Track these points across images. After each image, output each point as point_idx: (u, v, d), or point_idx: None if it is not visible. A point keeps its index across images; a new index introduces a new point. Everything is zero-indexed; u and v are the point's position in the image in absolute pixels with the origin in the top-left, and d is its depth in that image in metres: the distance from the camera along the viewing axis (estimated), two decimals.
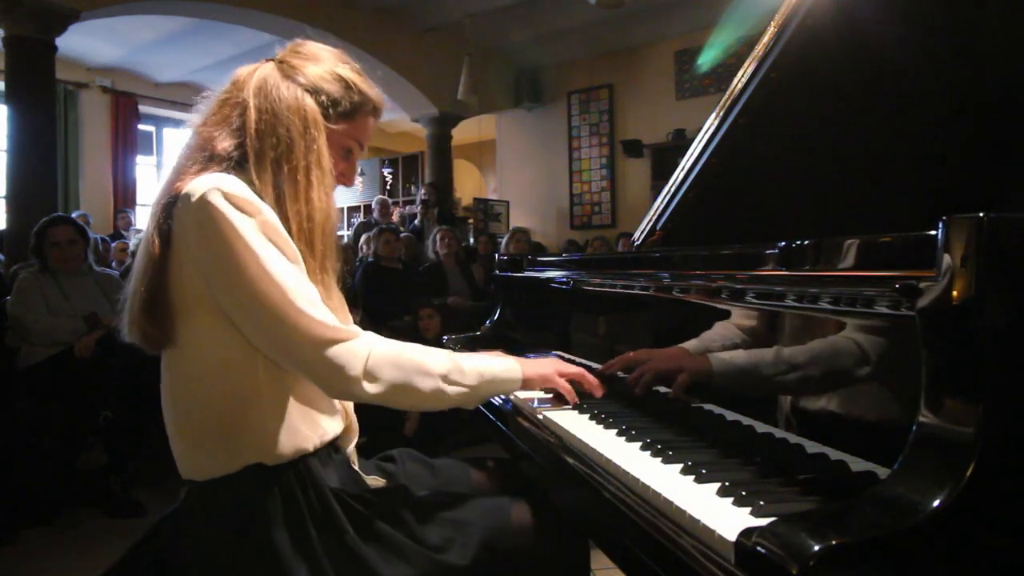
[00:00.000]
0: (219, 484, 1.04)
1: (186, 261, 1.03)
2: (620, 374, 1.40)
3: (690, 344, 1.20)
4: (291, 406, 1.07)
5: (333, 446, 1.14)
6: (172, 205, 1.04)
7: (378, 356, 1.04)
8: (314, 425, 1.10)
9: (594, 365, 1.59)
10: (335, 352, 1.00)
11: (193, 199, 1.00)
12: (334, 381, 1.02)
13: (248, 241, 0.98)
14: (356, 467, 1.17)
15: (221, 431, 1.04)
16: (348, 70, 1.17)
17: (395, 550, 1.04)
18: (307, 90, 1.12)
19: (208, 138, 1.10)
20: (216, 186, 1.00)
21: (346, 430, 1.19)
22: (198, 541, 1.04)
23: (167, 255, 1.03)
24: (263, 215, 1.02)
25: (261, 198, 1.04)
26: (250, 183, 1.05)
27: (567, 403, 1.27)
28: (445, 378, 1.08)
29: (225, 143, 1.09)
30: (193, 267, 1.02)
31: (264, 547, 0.99)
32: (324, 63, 1.16)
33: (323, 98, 1.13)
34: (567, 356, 1.67)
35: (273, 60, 1.16)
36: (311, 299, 1.01)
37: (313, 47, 1.18)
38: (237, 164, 1.08)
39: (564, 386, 1.25)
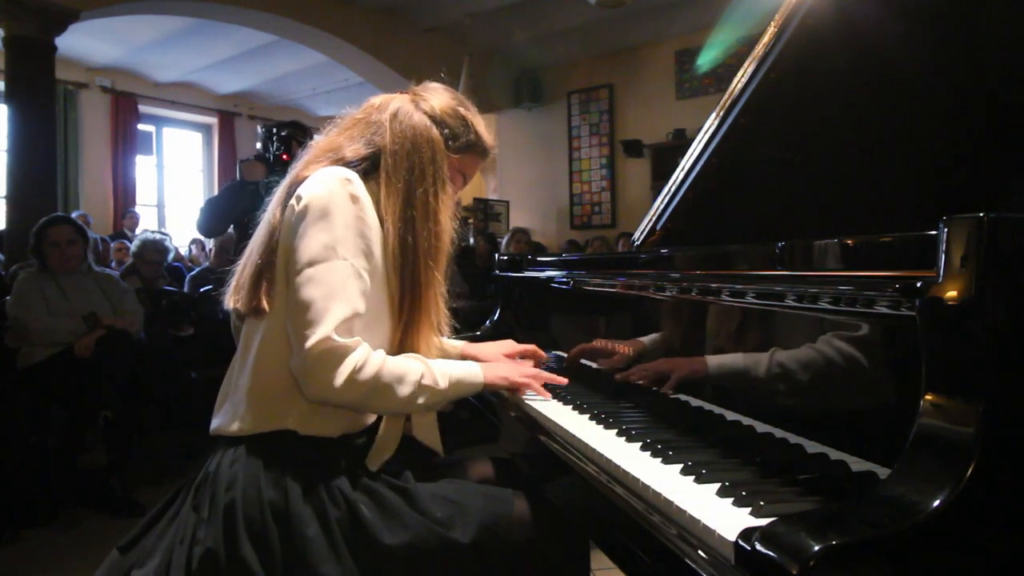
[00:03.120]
0: (254, 440, 1.12)
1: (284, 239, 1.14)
2: (615, 373, 1.40)
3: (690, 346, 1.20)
4: None
5: (354, 445, 1.20)
6: (295, 187, 1.16)
7: (365, 370, 1.09)
8: (347, 416, 1.18)
9: (599, 368, 1.59)
10: (325, 355, 1.06)
11: (314, 177, 1.15)
12: (311, 381, 1.07)
13: (334, 225, 1.10)
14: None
15: (282, 394, 1.13)
16: (467, 111, 1.33)
17: (398, 519, 1.09)
18: (434, 121, 1.27)
19: (337, 144, 1.24)
20: (339, 174, 1.15)
21: (378, 450, 1.21)
22: (225, 484, 1.08)
23: (280, 229, 1.15)
24: (364, 211, 1.14)
25: (384, 211, 1.18)
26: (372, 192, 1.19)
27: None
28: (420, 384, 1.15)
29: (354, 152, 1.22)
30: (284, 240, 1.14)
31: (281, 501, 1.06)
32: (449, 101, 1.31)
33: (446, 131, 1.27)
34: (566, 356, 1.67)
35: (406, 93, 1.32)
36: (344, 311, 1.08)
37: (439, 88, 1.34)
38: (362, 174, 1.20)
39: (527, 384, 1.34)
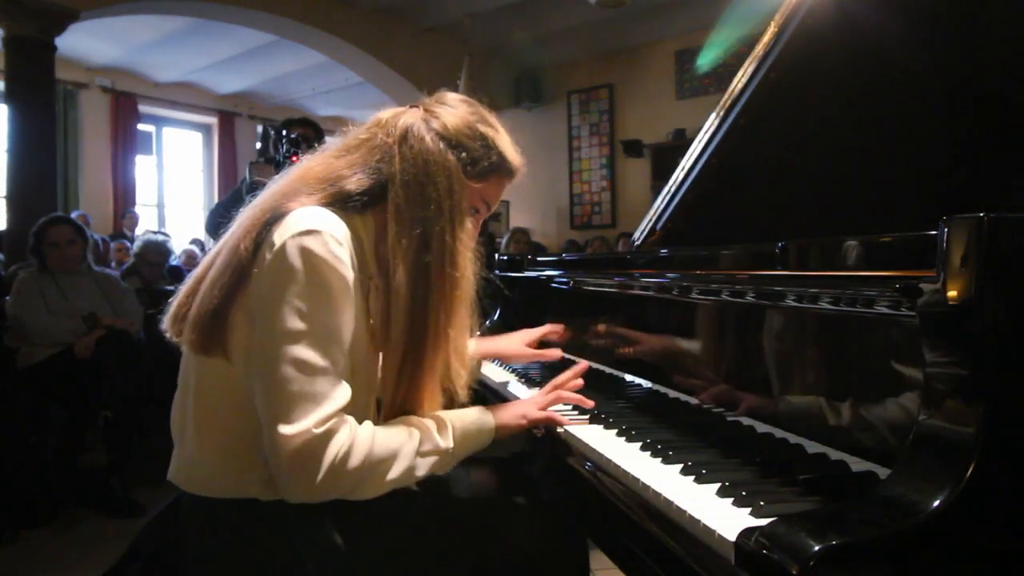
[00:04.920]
0: (218, 504, 1.00)
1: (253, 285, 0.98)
2: (613, 371, 1.40)
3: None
4: None
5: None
6: (275, 222, 0.98)
7: (352, 457, 0.94)
8: None
9: (618, 373, 1.59)
10: (303, 451, 0.90)
11: (297, 221, 0.96)
12: (288, 483, 0.92)
13: (302, 307, 0.93)
14: None
15: (246, 454, 0.99)
16: (490, 128, 1.13)
17: (391, 562, 1.03)
18: (449, 144, 1.08)
19: (338, 173, 1.06)
20: (332, 231, 0.96)
21: None
22: (197, 553, 1.02)
23: (251, 266, 0.98)
24: (345, 281, 0.96)
25: (392, 251, 1.02)
26: (381, 231, 1.04)
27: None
28: (418, 453, 1.02)
29: (358, 183, 1.05)
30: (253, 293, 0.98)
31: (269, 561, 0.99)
32: (468, 118, 1.11)
33: (464, 155, 1.08)
34: (566, 357, 1.67)
35: (418, 106, 1.13)
36: (328, 406, 0.93)
37: (456, 99, 1.14)
38: (360, 208, 1.04)
39: (549, 419, 1.21)
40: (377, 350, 1.06)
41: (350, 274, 0.98)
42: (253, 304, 0.97)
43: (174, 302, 1.08)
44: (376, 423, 1.03)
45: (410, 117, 1.10)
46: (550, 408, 1.23)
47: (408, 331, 1.03)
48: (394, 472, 0.99)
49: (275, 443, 0.90)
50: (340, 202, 1.03)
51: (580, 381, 1.30)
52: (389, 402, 1.06)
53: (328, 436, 0.92)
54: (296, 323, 0.92)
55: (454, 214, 1.06)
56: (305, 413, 0.91)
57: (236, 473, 1.00)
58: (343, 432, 0.93)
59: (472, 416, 1.12)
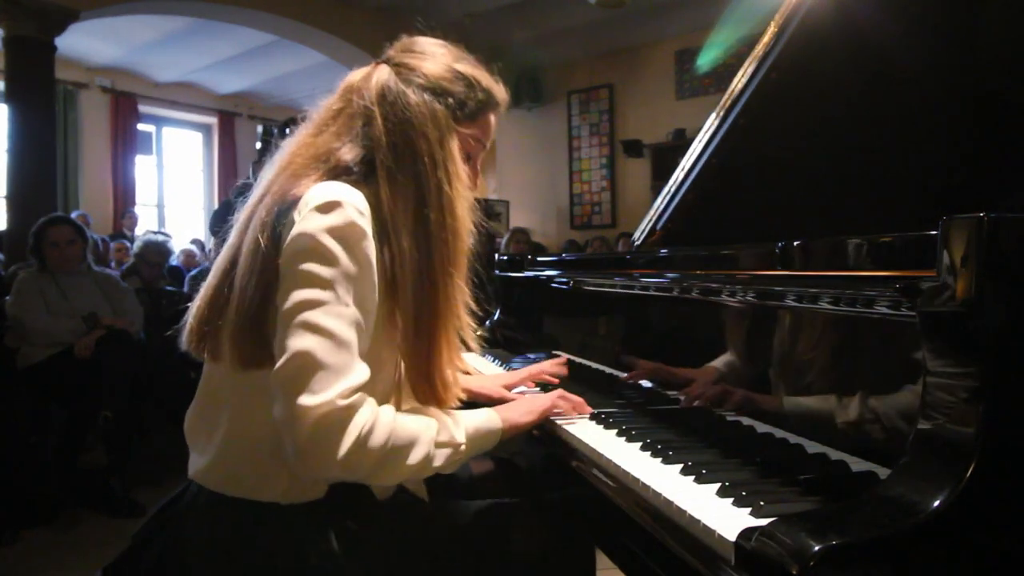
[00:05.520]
0: (231, 502, 0.98)
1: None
2: (613, 371, 1.40)
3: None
4: None
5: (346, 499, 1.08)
6: (289, 210, 0.94)
7: (375, 435, 0.91)
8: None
9: (617, 372, 1.59)
10: (325, 423, 0.87)
11: (311, 204, 0.92)
12: (307, 455, 0.87)
13: (326, 278, 0.89)
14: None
15: (259, 455, 0.96)
16: (468, 66, 1.09)
17: (393, 564, 1.02)
18: (434, 93, 1.03)
19: (328, 149, 1.01)
20: (352, 200, 0.93)
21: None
22: (207, 547, 1.00)
23: (276, 258, 0.93)
24: (368, 256, 0.94)
25: (391, 217, 0.98)
26: (377, 199, 0.98)
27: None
28: (435, 442, 0.99)
29: (350, 154, 1.00)
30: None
31: (270, 565, 0.96)
32: (442, 60, 1.07)
33: (450, 100, 1.04)
34: (565, 356, 1.67)
35: (385, 63, 1.07)
36: (353, 377, 0.90)
37: (426, 44, 1.11)
38: (363, 178, 1.00)
39: (555, 405, 1.21)
40: (391, 319, 1.02)
41: (372, 246, 0.95)
42: (279, 282, 0.93)
43: (191, 317, 1.03)
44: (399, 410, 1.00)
45: (383, 74, 1.05)
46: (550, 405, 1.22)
47: (417, 288, 0.99)
48: (413, 458, 0.95)
49: (295, 415, 0.85)
50: (344, 175, 0.99)
51: (564, 369, 1.31)
52: (410, 365, 1.02)
53: (352, 409, 0.88)
54: (320, 294, 0.89)
55: (448, 164, 1.02)
56: (328, 384, 0.87)
57: (258, 472, 0.97)
58: (367, 408, 0.90)
59: (481, 415, 1.10)
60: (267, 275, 0.94)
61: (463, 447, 1.03)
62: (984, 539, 0.65)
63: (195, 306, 1.04)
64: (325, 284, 0.89)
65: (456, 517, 1.12)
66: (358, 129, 1.03)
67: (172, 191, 9.59)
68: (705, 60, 7.36)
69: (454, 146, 1.04)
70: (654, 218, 1.85)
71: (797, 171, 1.50)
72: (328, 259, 0.90)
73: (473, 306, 1.10)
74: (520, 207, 9.31)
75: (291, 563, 0.96)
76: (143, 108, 8.92)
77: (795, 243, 0.95)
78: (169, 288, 4.30)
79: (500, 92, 1.13)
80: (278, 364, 0.88)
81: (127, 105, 8.67)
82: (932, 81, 1.30)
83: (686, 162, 1.74)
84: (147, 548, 1.05)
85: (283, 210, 0.96)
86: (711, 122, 1.68)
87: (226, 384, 1.01)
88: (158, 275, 4.29)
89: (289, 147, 1.06)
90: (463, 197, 1.04)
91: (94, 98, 8.43)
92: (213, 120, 9.75)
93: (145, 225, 8.10)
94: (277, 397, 0.88)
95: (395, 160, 1.00)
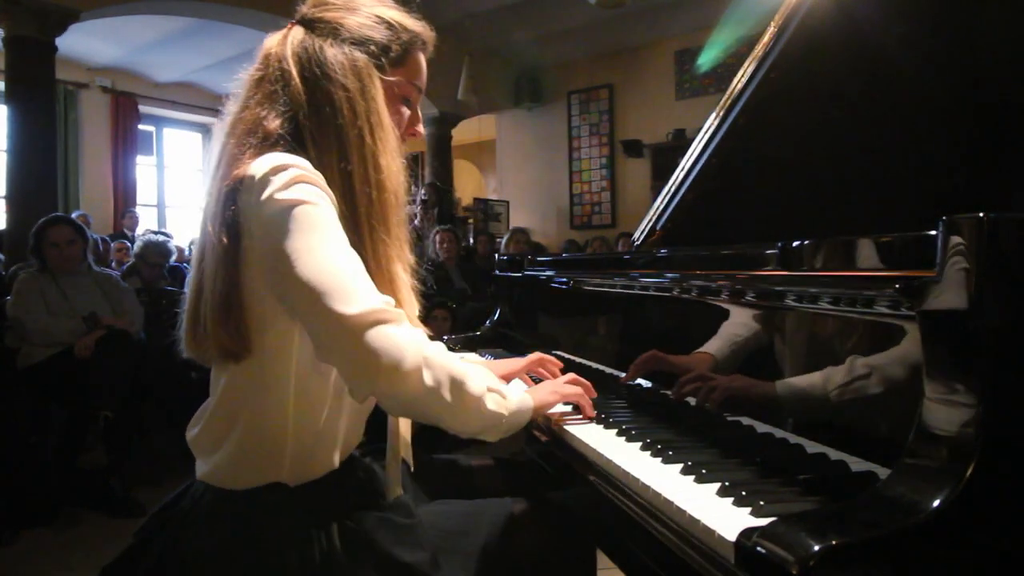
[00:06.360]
0: (238, 495, 0.98)
1: (254, 254, 0.92)
2: (613, 371, 1.40)
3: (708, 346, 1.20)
4: (341, 424, 1.02)
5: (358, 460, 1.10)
6: (234, 192, 0.92)
7: (435, 355, 0.89)
8: (347, 448, 1.05)
9: (617, 372, 1.59)
10: (382, 327, 0.84)
11: (258, 177, 0.90)
12: (368, 367, 0.83)
13: (312, 223, 0.88)
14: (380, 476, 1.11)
15: (270, 445, 0.96)
16: (387, 9, 1.06)
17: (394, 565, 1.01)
18: (354, 43, 1.00)
19: (256, 121, 0.98)
20: (283, 163, 0.90)
21: (392, 483, 1.09)
22: (208, 546, 0.99)
23: (238, 249, 0.92)
24: (327, 196, 0.92)
25: (325, 176, 0.94)
26: (311, 161, 0.95)
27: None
28: (489, 389, 0.97)
29: (276, 122, 0.97)
30: (259, 257, 0.91)
31: (272, 564, 0.96)
32: (360, 8, 1.04)
33: (372, 47, 1.01)
34: (565, 356, 1.67)
35: (299, 23, 1.05)
36: (370, 285, 0.89)
37: None
38: (295, 143, 0.97)
39: (574, 399, 1.20)
40: None
41: (324, 186, 0.93)
42: (266, 258, 0.90)
43: (182, 323, 1.03)
44: None
45: (297, 33, 1.03)
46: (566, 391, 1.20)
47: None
48: (473, 387, 0.91)
49: (343, 328, 0.82)
50: (276, 145, 0.96)
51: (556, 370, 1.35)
52: None
53: (401, 317, 0.85)
54: (316, 237, 0.87)
55: (370, 115, 0.98)
56: (368, 294, 0.84)
57: (264, 459, 0.97)
58: (407, 324, 0.87)
59: (516, 391, 1.07)
60: (228, 263, 0.92)
61: (510, 403, 1.01)
62: (984, 539, 0.65)
63: (183, 313, 1.04)
64: (314, 226, 0.88)
65: (456, 517, 1.12)
66: (279, 95, 0.99)
67: (172, 191, 9.60)
68: (705, 60, 7.37)
69: (378, 95, 1.00)
70: (654, 218, 1.85)
71: (797, 171, 1.50)
72: (304, 207, 0.88)
73: (415, 266, 1.04)
74: (520, 207, 9.31)
75: (293, 562, 0.96)
76: (143, 108, 8.92)
77: (795, 243, 0.95)
78: (169, 288, 4.30)
79: (425, 30, 1.10)
80: (307, 315, 0.86)
81: (127, 105, 8.67)
82: (932, 81, 1.30)
83: (686, 162, 1.74)
84: (147, 548, 1.04)
85: (228, 194, 0.93)
86: (711, 122, 1.68)
87: (234, 382, 1.00)
88: (158, 275, 4.29)
89: (222, 128, 1.04)
90: (390, 148, 1.00)
91: (94, 98, 8.43)
92: (213, 120, 9.71)
93: (145, 225, 8.10)
94: (318, 334, 0.86)
95: (316, 117, 0.97)
